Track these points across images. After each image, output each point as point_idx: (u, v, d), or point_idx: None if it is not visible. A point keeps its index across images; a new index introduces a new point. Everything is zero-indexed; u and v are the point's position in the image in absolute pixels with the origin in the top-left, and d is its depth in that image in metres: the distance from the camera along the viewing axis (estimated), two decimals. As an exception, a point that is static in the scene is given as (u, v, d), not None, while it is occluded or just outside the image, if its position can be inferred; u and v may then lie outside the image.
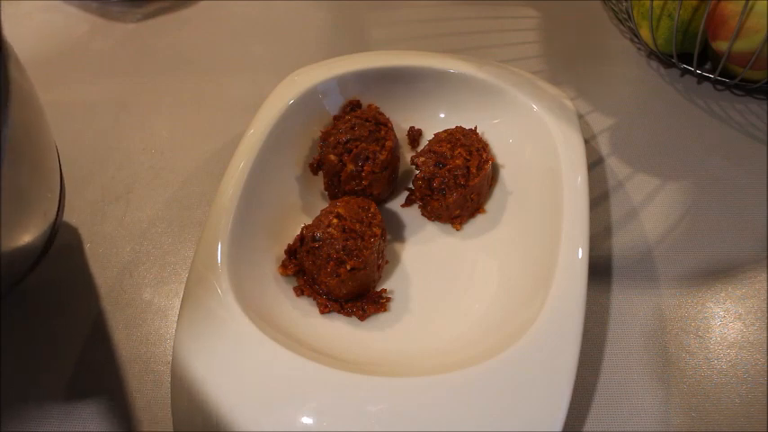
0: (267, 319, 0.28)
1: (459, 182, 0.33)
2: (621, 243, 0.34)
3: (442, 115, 0.38)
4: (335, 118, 0.37)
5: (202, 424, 0.25)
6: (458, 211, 0.34)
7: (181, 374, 0.26)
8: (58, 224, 0.30)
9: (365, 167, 0.33)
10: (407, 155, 0.37)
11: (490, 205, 0.35)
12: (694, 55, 0.39)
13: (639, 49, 0.45)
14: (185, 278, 0.30)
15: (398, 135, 0.37)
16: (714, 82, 0.41)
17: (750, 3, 0.34)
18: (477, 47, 0.46)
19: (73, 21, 0.49)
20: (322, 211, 0.31)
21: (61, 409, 0.29)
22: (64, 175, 0.31)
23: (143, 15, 0.49)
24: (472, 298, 0.31)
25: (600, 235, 0.34)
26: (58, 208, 0.30)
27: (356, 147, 0.33)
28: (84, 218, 0.36)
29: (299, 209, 0.35)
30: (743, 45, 0.36)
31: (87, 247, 0.35)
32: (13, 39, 0.22)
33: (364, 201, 0.32)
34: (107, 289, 0.33)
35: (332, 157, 0.33)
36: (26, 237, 0.26)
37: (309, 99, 0.36)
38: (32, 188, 0.25)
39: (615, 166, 0.38)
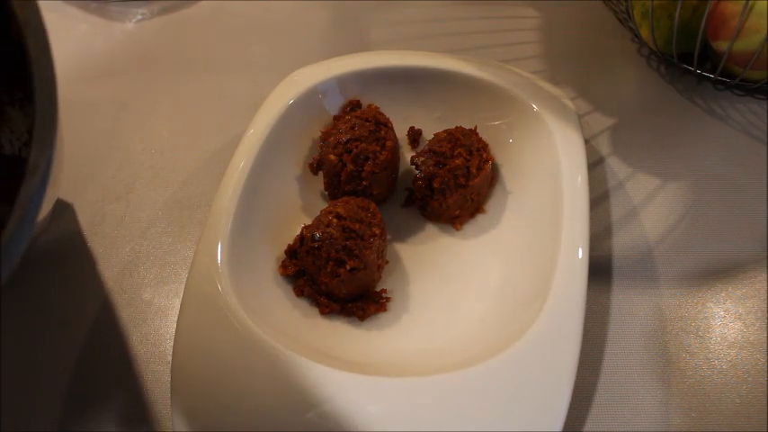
0: (267, 319, 0.28)
1: (459, 182, 0.33)
2: (621, 243, 0.34)
3: (442, 115, 0.38)
4: (335, 118, 0.37)
5: (202, 424, 0.25)
6: (458, 212, 0.34)
7: (181, 374, 0.26)
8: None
9: (365, 167, 0.33)
10: (407, 155, 0.37)
11: (490, 205, 0.35)
12: (694, 55, 0.39)
13: (640, 49, 0.45)
14: (185, 278, 0.30)
15: (398, 135, 0.37)
16: (714, 82, 0.41)
17: (750, 3, 0.34)
18: (477, 47, 0.46)
19: (73, 21, 0.49)
20: (322, 211, 0.31)
21: (60, 409, 0.29)
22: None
23: (143, 15, 0.49)
24: (472, 298, 0.31)
25: (600, 235, 0.34)
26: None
27: (356, 147, 0.33)
28: (84, 218, 0.36)
29: (299, 209, 0.35)
30: (743, 45, 0.36)
31: (87, 247, 0.35)
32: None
33: (364, 201, 0.32)
34: (107, 289, 0.33)
35: (332, 157, 0.33)
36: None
37: (309, 99, 0.36)
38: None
39: (615, 166, 0.38)
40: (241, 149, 0.33)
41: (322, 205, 0.34)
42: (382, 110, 0.36)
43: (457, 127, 0.35)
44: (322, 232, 0.30)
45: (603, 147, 0.39)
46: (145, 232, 0.36)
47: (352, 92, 0.37)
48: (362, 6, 0.49)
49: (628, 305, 0.31)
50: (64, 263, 0.34)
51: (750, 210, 0.35)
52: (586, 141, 0.38)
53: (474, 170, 0.33)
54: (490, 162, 0.34)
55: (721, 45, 0.37)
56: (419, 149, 0.35)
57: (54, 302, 0.32)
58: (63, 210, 0.36)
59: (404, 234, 0.34)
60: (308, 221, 0.33)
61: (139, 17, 0.49)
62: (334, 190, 0.34)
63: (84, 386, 0.29)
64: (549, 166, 0.33)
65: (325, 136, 0.35)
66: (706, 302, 0.31)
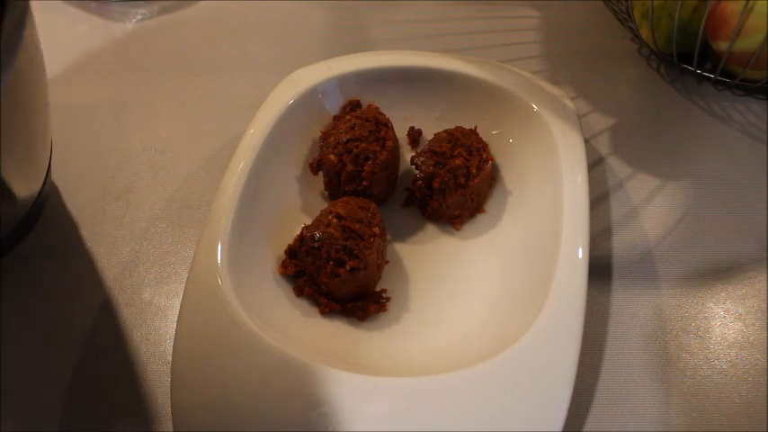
0: (267, 319, 0.28)
1: (459, 182, 0.33)
2: (621, 243, 0.34)
3: (442, 115, 0.38)
4: (335, 118, 0.37)
5: (202, 424, 0.25)
6: (458, 212, 0.34)
7: (181, 374, 0.26)
8: (46, 190, 0.31)
9: (365, 167, 0.33)
10: (407, 155, 0.37)
11: (490, 205, 0.35)
12: (694, 55, 0.39)
13: (640, 49, 0.45)
14: (185, 278, 0.30)
15: (398, 135, 0.37)
16: (714, 82, 0.41)
17: (750, 3, 0.34)
18: (477, 47, 0.46)
19: (73, 21, 0.49)
20: (322, 211, 0.31)
21: (61, 408, 0.29)
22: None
23: (143, 15, 0.49)
24: (472, 298, 0.31)
25: (600, 235, 0.34)
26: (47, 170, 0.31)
27: (356, 147, 0.33)
28: (84, 218, 0.36)
29: (299, 209, 0.35)
30: (743, 45, 0.36)
31: (87, 247, 0.35)
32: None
33: (364, 200, 0.32)
34: (107, 289, 0.33)
35: (332, 157, 0.33)
36: (16, 186, 0.26)
37: (309, 99, 0.36)
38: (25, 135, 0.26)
39: (615, 166, 0.38)
40: (241, 149, 0.33)
41: (322, 205, 0.34)
42: (382, 110, 0.36)
43: (457, 127, 0.35)
44: (322, 232, 0.30)
45: (603, 147, 0.39)
46: (145, 232, 0.35)
47: (352, 92, 0.37)
48: (362, 6, 0.49)
49: (628, 305, 0.31)
50: (64, 263, 0.34)
51: (750, 210, 0.35)
52: (586, 141, 0.38)
53: (474, 170, 0.33)
54: (490, 162, 0.34)
55: (721, 45, 0.38)
56: (419, 149, 0.35)
57: (54, 302, 0.32)
58: (63, 209, 0.36)
59: (404, 234, 0.34)
60: (308, 221, 0.33)
61: (139, 17, 0.49)
62: (334, 190, 0.34)
63: (84, 386, 0.29)
64: (548, 167, 0.33)
65: (325, 136, 0.35)
66: (706, 302, 0.31)
